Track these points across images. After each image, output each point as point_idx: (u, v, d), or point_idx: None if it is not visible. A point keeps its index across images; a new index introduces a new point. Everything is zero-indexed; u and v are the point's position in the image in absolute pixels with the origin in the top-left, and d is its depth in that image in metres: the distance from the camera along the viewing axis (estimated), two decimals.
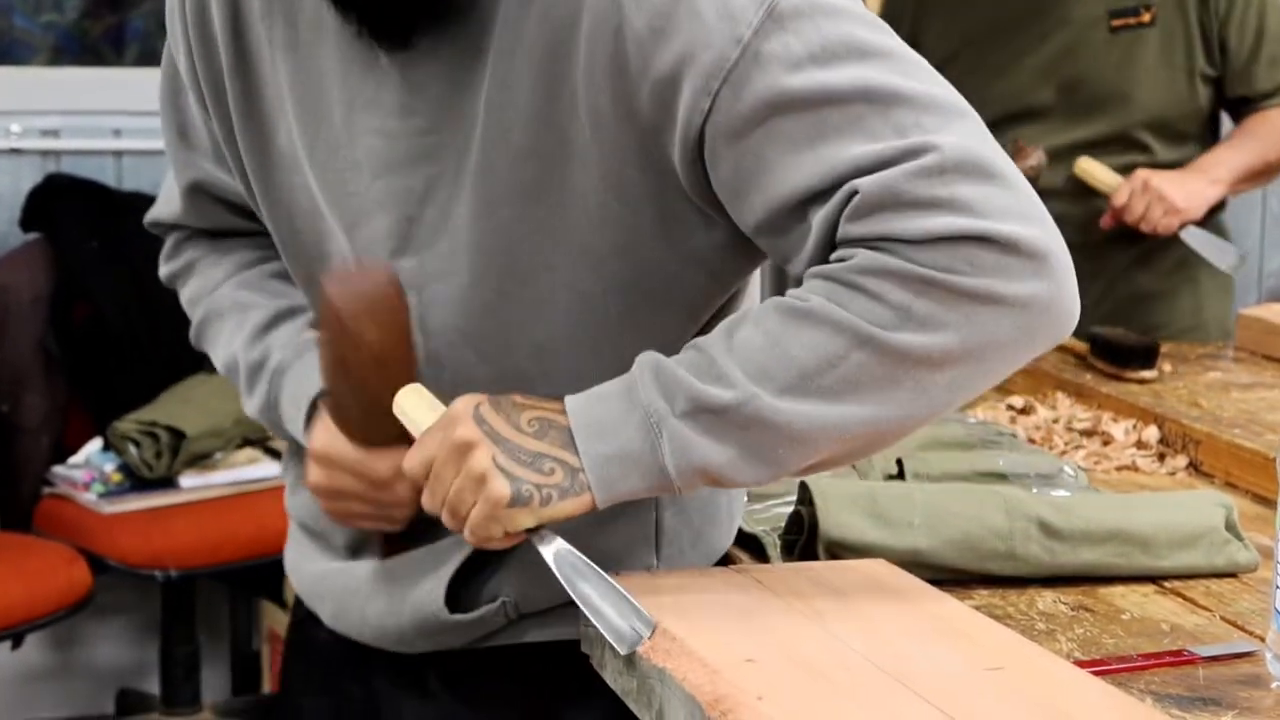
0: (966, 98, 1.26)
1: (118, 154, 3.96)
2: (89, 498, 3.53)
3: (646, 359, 1.27)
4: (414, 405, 1.35)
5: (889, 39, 1.25)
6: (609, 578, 1.25)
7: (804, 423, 1.22)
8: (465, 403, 1.29)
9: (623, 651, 1.21)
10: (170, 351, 3.49)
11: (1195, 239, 2.62)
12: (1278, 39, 2.79)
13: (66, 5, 4.09)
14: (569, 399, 1.28)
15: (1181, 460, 2.04)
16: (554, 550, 1.27)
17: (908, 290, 1.20)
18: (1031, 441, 2.08)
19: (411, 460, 1.31)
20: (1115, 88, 2.75)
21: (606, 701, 1.29)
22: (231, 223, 1.58)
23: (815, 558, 1.52)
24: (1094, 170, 2.64)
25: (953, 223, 1.19)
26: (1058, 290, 1.23)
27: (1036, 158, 2.64)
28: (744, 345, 1.24)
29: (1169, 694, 1.28)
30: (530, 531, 1.28)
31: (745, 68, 1.21)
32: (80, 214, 3.77)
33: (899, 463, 1.80)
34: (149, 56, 4.05)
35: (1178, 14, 2.74)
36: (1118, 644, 1.40)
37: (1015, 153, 2.65)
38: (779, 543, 1.61)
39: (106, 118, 3.97)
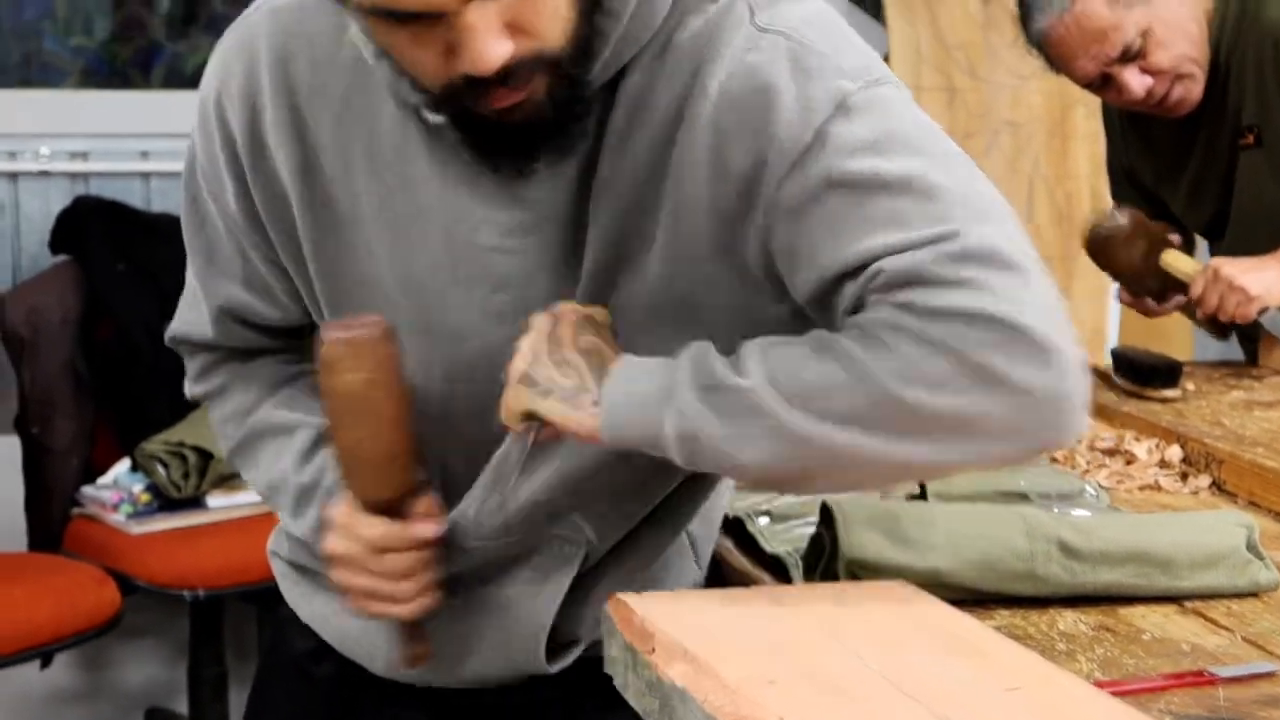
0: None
1: (146, 176, 3.99)
2: (117, 518, 3.54)
3: (698, 344, 1.34)
4: None
5: (941, 140, 1.33)
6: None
7: (792, 427, 1.27)
8: (552, 311, 1.38)
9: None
10: None
11: (1276, 324, 2.59)
12: None
13: (96, 28, 4.12)
14: (628, 355, 1.36)
15: (1204, 480, 2.04)
16: (520, 441, 1.39)
17: (918, 349, 1.25)
18: (1054, 461, 2.08)
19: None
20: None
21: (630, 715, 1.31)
22: (262, 344, 1.60)
23: (836, 578, 1.52)
24: (1176, 261, 2.64)
25: (970, 301, 1.24)
26: (1060, 385, 1.26)
27: (1125, 216, 2.67)
28: (774, 353, 1.31)
29: (1189, 715, 1.29)
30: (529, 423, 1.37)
31: (814, 150, 1.30)
32: (108, 236, 3.79)
33: (920, 483, 1.81)
34: (177, 79, 4.08)
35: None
36: (1138, 664, 1.41)
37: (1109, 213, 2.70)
38: (800, 563, 1.62)
39: (135, 140, 3.99)
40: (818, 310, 1.34)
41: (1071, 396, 1.27)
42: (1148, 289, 2.69)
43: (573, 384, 1.34)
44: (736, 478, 1.35)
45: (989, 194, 1.31)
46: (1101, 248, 2.69)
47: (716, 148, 1.32)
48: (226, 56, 1.47)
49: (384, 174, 1.42)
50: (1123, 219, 2.67)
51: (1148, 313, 2.77)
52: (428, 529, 1.44)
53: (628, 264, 1.38)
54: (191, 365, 1.64)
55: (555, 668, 1.52)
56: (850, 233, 1.28)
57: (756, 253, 1.35)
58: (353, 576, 1.46)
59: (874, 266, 1.27)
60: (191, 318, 1.60)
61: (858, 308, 1.29)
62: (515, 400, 1.36)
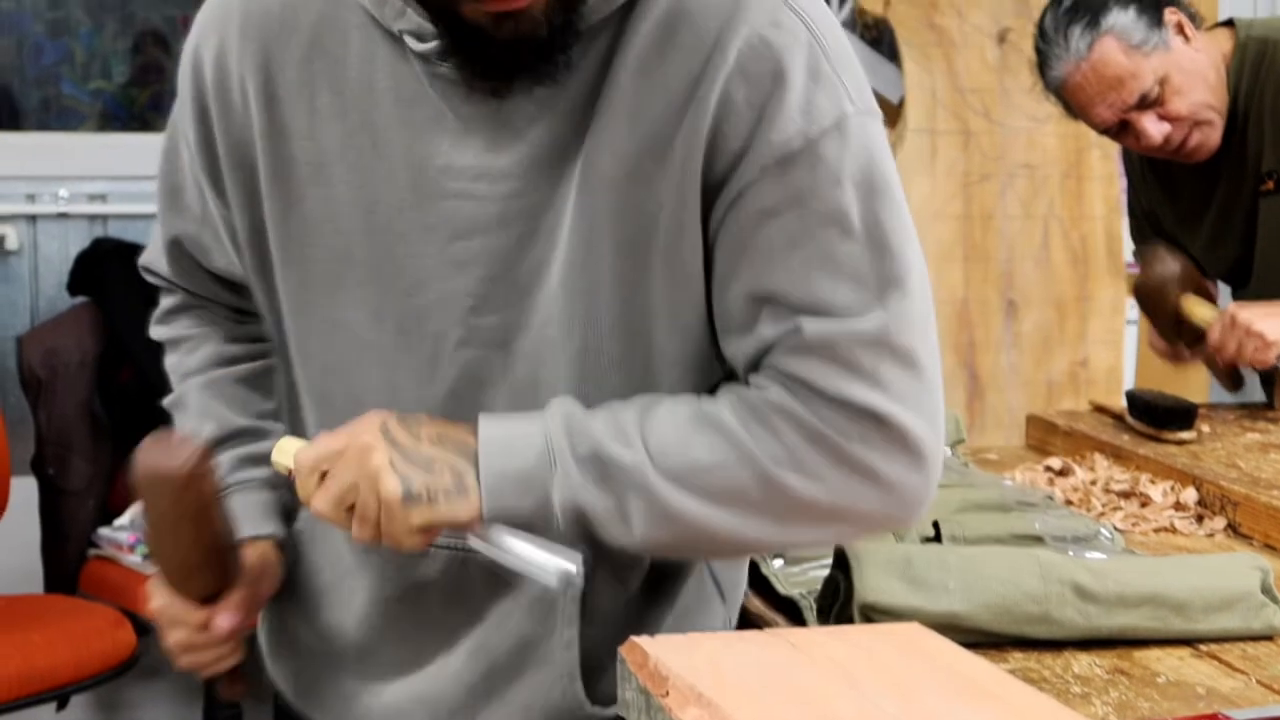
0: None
1: None
2: (134, 559, 3.55)
3: (561, 402, 1.35)
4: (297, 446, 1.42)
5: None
6: (531, 536, 1.33)
7: (676, 507, 1.31)
8: (374, 416, 1.36)
9: (554, 584, 1.31)
10: None
11: None
12: None
13: (114, 73, 4.15)
14: (483, 416, 1.35)
15: (1220, 522, 2.04)
16: (483, 535, 1.34)
17: (802, 437, 1.30)
18: (1069, 503, 2.08)
19: (307, 455, 1.36)
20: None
21: None
22: (212, 290, 1.61)
23: (851, 621, 1.52)
24: (1195, 307, 2.64)
25: (862, 395, 1.29)
26: (926, 486, 1.33)
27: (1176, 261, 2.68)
28: (656, 424, 1.33)
29: None
30: (456, 535, 1.37)
31: (799, 161, 1.29)
32: (126, 278, 3.80)
33: (935, 525, 1.81)
34: None
35: None
36: (1153, 707, 1.40)
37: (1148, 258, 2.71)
38: (815, 606, 1.62)
39: (152, 182, 3.99)
40: (722, 319, 1.34)
41: (931, 494, 1.34)
42: (1184, 336, 2.69)
43: (450, 480, 1.32)
44: (624, 548, 1.35)
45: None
46: (1153, 292, 2.69)
47: (719, 118, 1.30)
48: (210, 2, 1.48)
49: (349, 113, 1.39)
50: (1174, 265, 2.68)
51: (1180, 362, 2.77)
52: (221, 622, 1.47)
53: (616, 223, 1.34)
54: (161, 305, 1.68)
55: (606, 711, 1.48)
56: (796, 263, 1.30)
57: (697, 237, 1.34)
58: (170, 634, 1.51)
59: (795, 323, 1.30)
60: (154, 252, 1.64)
61: (763, 353, 1.32)
62: (404, 525, 1.33)
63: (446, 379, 1.40)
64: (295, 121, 1.42)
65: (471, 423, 1.35)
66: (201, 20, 1.49)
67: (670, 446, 1.31)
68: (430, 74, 1.36)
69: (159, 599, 1.49)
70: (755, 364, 1.34)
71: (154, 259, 1.65)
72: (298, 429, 1.52)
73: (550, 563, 1.31)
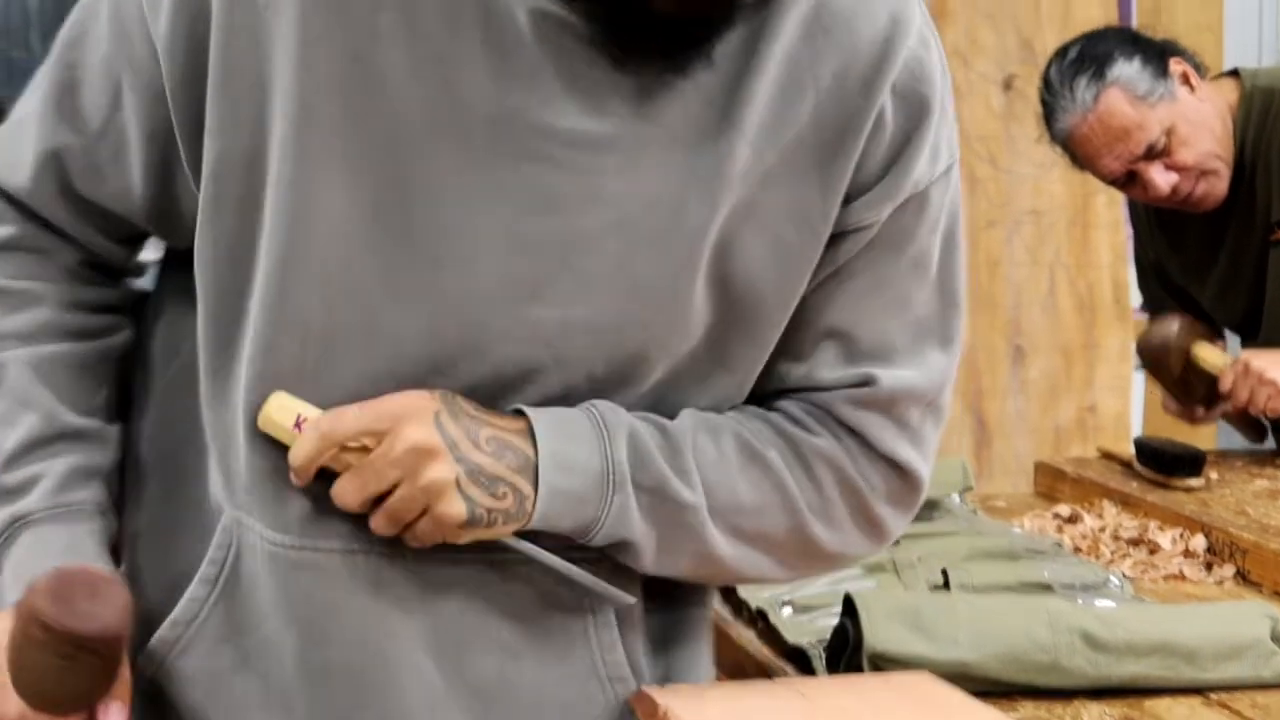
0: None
1: None
2: None
3: (618, 417, 1.22)
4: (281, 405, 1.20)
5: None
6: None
7: (718, 547, 1.26)
8: (419, 400, 1.18)
9: (626, 599, 1.26)
10: None
11: None
12: None
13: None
14: (536, 419, 1.20)
15: (1229, 569, 2.03)
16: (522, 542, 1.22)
17: (840, 491, 1.29)
18: (1078, 550, 2.08)
19: (338, 426, 1.17)
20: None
21: None
22: (77, 226, 1.29)
23: (860, 670, 1.52)
24: (1207, 355, 2.65)
25: (907, 454, 1.29)
26: (903, 528, 1.35)
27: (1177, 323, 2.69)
28: (701, 454, 1.25)
29: None
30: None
31: (913, 202, 1.24)
32: None
33: (944, 573, 1.81)
34: None
35: None
36: None
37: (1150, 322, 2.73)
38: (824, 655, 1.62)
39: None
40: (782, 341, 1.25)
41: None
42: (1195, 395, 2.70)
43: (513, 503, 1.19)
44: (630, 564, 1.26)
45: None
46: (1156, 353, 2.70)
47: (871, 136, 1.21)
48: None
49: (417, 41, 1.15)
50: (1174, 325, 2.68)
51: (1196, 421, 2.77)
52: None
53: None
54: None
55: None
56: (878, 306, 1.26)
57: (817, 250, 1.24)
58: None
59: (869, 373, 1.26)
60: (7, 158, 1.28)
61: (804, 387, 1.27)
62: (448, 538, 1.20)
63: (474, 375, 1.20)
64: (352, 39, 1.15)
65: (521, 420, 1.20)
66: None
67: (719, 484, 1.25)
68: (537, 25, 1.14)
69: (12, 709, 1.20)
70: (795, 392, 1.28)
71: (8, 175, 1.28)
72: (229, 391, 1.22)
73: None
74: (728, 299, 1.22)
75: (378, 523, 1.19)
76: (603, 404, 1.23)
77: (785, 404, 1.29)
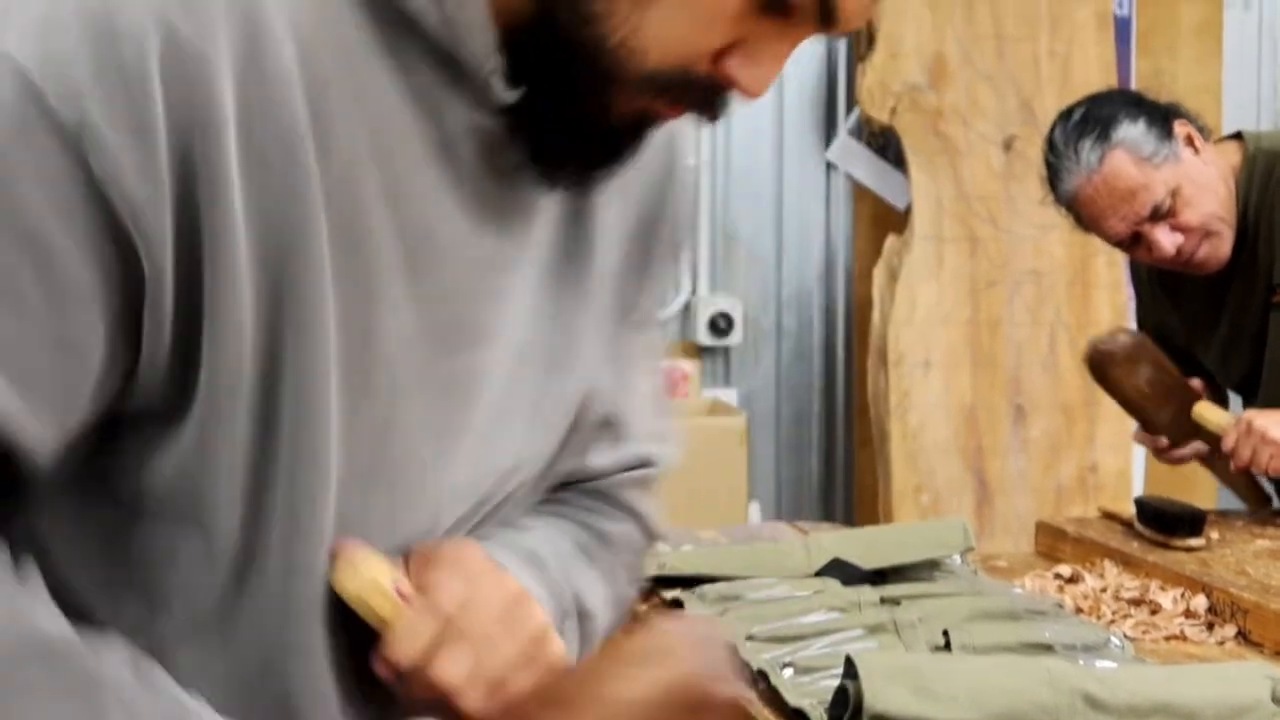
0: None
1: None
2: None
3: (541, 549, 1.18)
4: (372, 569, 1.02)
5: None
6: None
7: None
8: (476, 549, 1.08)
9: None
10: None
11: None
12: None
13: None
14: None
15: (1230, 629, 2.03)
16: None
17: (631, 562, 1.28)
18: (1079, 611, 2.08)
19: (440, 606, 1.02)
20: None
21: None
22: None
23: None
24: (1209, 414, 2.66)
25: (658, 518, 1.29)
26: None
27: (1127, 336, 2.71)
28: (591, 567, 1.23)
29: None
30: None
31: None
32: None
33: (945, 634, 1.81)
34: None
35: None
36: None
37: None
38: (825, 716, 1.62)
39: None
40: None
41: None
42: (1159, 424, 2.71)
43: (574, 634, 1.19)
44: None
45: None
46: (1100, 364, 2.72)
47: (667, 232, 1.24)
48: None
49: (401, 203, 1.00)
50: (1124, 338, 2.70)
51: (1165, 457, 2.78)
52: None
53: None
54: None
55: None
56: (646, 389, 1.26)
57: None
58: None
59: (653, 454, 1.26)
60: None
61: (580, 477, 1.22)
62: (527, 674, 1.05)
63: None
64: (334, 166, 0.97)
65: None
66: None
67: (614, 586, 1.25)
68: (463, 127, 1.01)
69: None
70: (569, 481, 1.22)
71: None
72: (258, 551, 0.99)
73: None
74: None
75: (477, 693, 1.03)
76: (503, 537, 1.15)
77: (567, 494, 1.24)
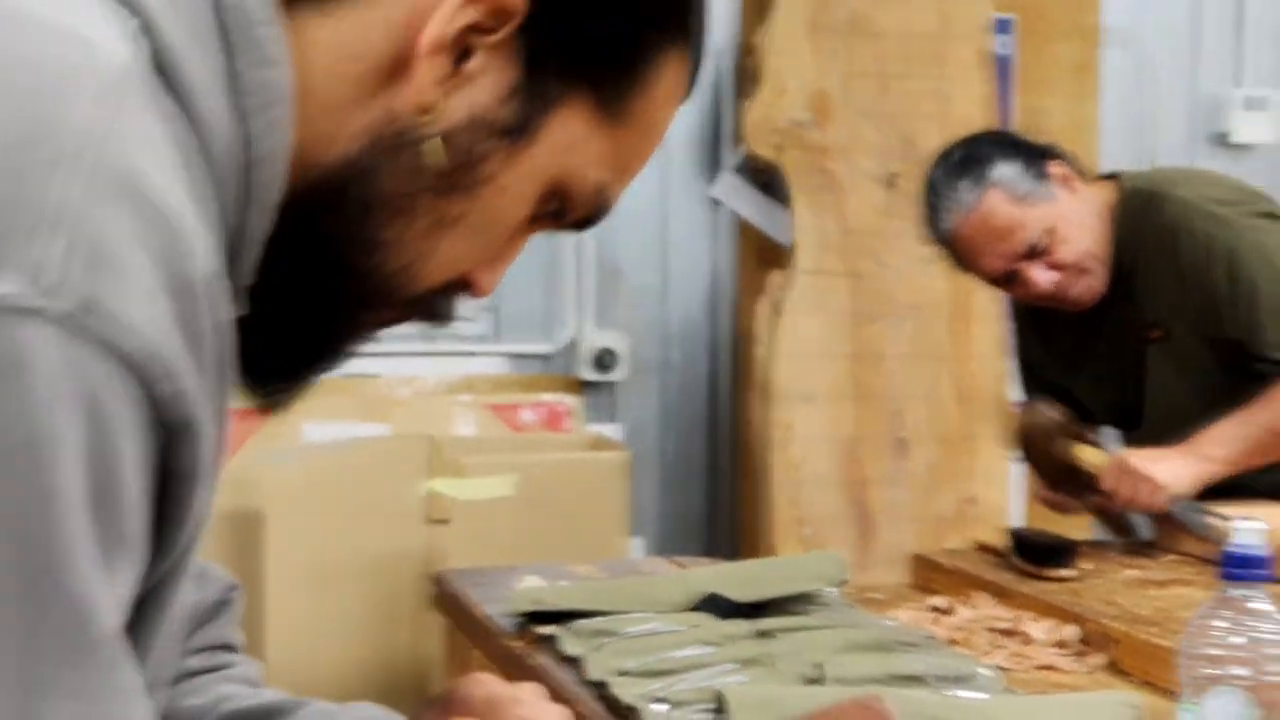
0: None
1: None
2: None
3: None
4: None
5: None
6: None
7: None
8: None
9: None
10: None
11: (1183, 513, 2.60)
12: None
13: None
14: None
15: (1101, 659, 2.05)
16: None
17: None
18: (954, 642, 2.10)
19: None
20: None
21: None
22: None
23: None
24: (1085, 454, 2.69)
25: None
26: None
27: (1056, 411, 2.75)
28: None
29: None
30: None
31: None
32: None
33: (818, 666, 1.81)
34: None
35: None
36: None
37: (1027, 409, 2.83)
38: None
39: None
40: None
41: None
42: (1067, 484, 2.74)
43: None
44: None
45: None
46: (1036, 440, 2.75)
47: None
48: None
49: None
50: (1054, 413, 2.74)
51: (1067, 512, 2.81)
52: None
53: None
54: None
55: None
56: None
57: None
58: None
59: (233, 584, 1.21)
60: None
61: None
62: None
63: None
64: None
65: None
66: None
67: None
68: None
69: None
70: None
71: None
72: None
73: None
74: None
75: None
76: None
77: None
